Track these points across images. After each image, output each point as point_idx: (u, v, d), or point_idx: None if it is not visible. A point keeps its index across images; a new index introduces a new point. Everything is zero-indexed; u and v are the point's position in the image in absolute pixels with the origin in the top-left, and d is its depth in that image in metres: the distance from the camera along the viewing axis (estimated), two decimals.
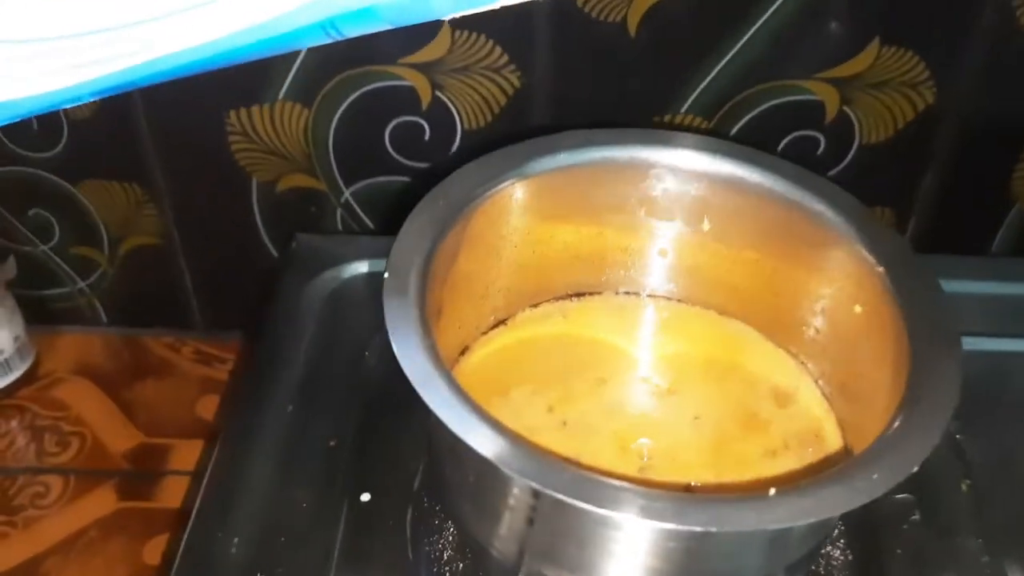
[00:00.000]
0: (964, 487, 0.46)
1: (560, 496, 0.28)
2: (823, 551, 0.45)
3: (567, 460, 0.34)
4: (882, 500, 0.44)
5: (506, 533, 0.36)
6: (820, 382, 0.43)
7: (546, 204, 0.42)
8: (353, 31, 0.30)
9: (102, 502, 0.67)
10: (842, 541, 0.45)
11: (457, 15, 0.31)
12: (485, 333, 0.45)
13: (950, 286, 0.57)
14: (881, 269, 0.38)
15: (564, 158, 0.41)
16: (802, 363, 0.44)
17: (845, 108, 0.64)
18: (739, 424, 0.41)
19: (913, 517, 0.44)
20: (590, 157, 0.42)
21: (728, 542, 0.32)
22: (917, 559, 0.43)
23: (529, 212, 0.42)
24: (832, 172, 0.67)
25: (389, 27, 0.30)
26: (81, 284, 0.75)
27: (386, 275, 0.36)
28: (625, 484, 0.29)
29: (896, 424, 0.32)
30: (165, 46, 0.29)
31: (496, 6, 0.31)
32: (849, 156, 0.66)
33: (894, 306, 0.36)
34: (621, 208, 0.44)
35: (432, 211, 0.39)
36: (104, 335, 0.78)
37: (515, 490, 0.32)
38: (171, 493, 0.67)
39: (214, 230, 0.72)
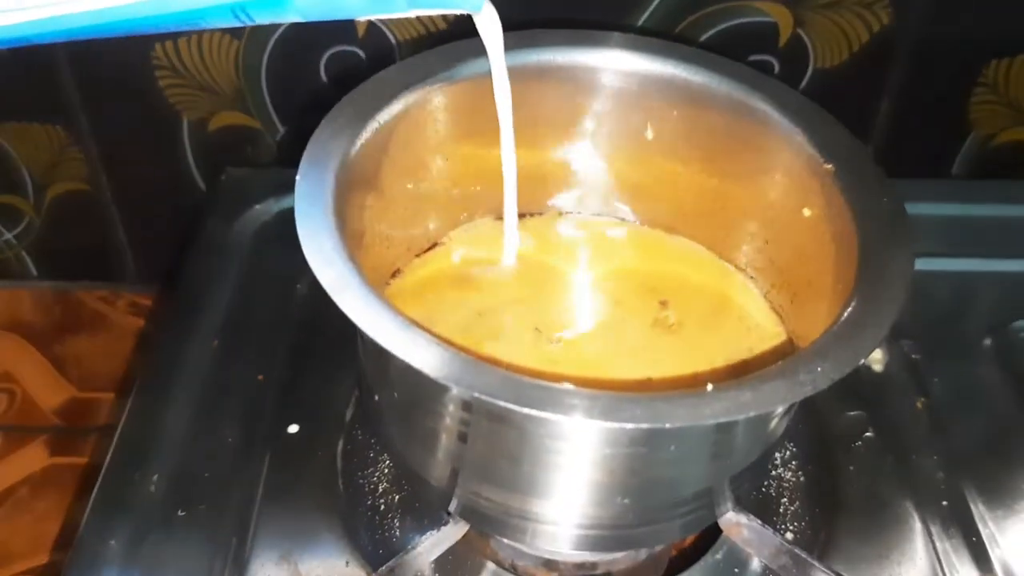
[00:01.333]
0: (919, 405, 0.45)
1: (491, 399, 0.25)
2: (774, 473, 0.43)
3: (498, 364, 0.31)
4: (834, 418, 0.43)
5: (440, 455, 0.34)
6: (769, 295, 0.41)
7: (476, 113, 0.39)
8: (263, 18, 0.30)
9: (32, 459, 0.64)
10: (794, 463, 0.43)
11: (372, 17, 0.30)
12: (419, 256, 0.42)
13: (909, 209, 0.56)
14: (830, 166, 0.35)
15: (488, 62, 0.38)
16: (751, 277, 0.42)
17: (799, 30, 0.61)
18: (685, 331, 0.39)
19: (867, 434, 0.43)
20: (524, 61, 0.39)
21: (666, 446, 0.30)
22: (871, 476, 0.41)
23: (457, 122, 0.40)
24: None
25: (299, 20, 0.30)
26: (7, 235, 0.71)
27: (298, 178, 0.33)
28: (558, 384, 0.27)
29: (843, 318, 0.29)
30: (73, 5, 0.29)
31: (411, 15, 0.31)
32: (804, 80, 0.64)
33: (844, 204, 0.34)
34: (559, 118, 0.42)
35: (350, 114, 0.36)
36: (34, 289, 0.74)
37: (446, 401, 0.30)
38: (104, 449, 0.64)
39: (144, 174, 0.69)
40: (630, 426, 0.26)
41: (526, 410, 0.26)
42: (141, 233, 0.72)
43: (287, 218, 0.53)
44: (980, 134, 0.67)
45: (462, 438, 0.31)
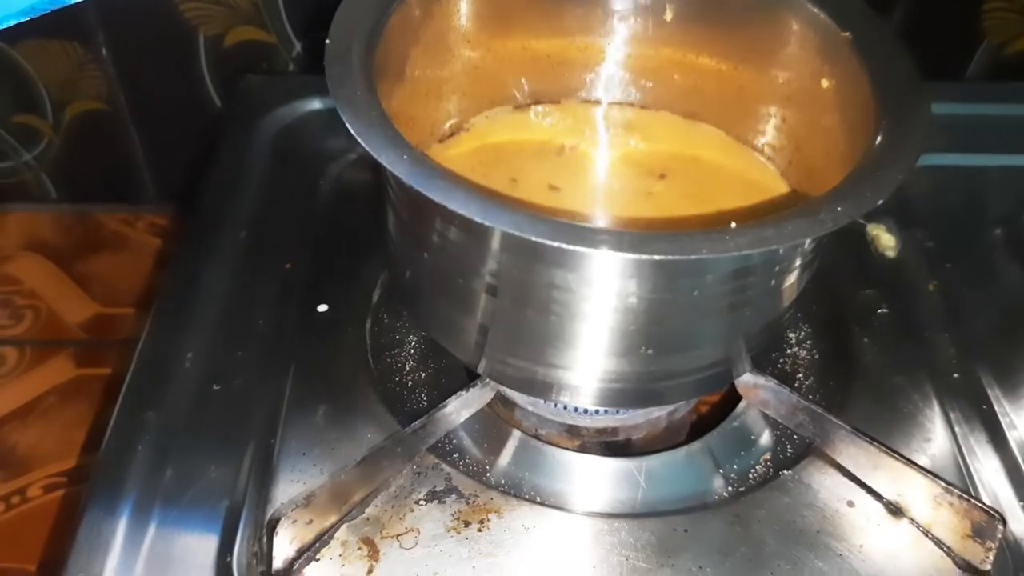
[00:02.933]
0: (931, 287, 0.46)
1: (520, 233, 0.26)
2: (789, 352, 0.44)
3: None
4: (849, 296, 0.44)
5: (470, 314, 0.35)
6: (786, 172, 0.42)
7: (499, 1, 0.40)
8: None
9: (59, 370, 0.66)
10: (809, 343, 0.45)
11: None
12: (441, 141, 0.43)
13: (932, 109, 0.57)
14: (846, 34, 0.36)
15: None
16: (769, 158, 0.43)
17: None
18: (700, 198, 0.40)
19: (881, 310, 0.44)
20: None
21: (689, 287, 0.30)
22: (885, 347, 0.42)
23: (477, 7, 0.40)
24: None
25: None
26: (27, 156, 0.72)
27: (328, 42, 0.34)
28: (584, 224, 0.28)
29: (862, 164, 0.30)
30: None
31: None
32: None
33: (861, 70, 0.35)
34: (578, 5, 0.42)
35: None
36: (55, 212, 0.75)
37: (479, 248, 0.31)
38: (128, 360, 0.65)
39: (161, 92, 0.69)
40: (658, 257, 0.27)
41: (559, 244, 0.27)
42: (159, 153, 0.72)
43: (306, 121, 0.55)
44: (992, 42, 0.67)
45: (491, 291, 0.32)
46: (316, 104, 0.55)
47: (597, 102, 0.45)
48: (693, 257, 0.27)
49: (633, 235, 0.27)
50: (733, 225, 0.28)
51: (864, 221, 0.48)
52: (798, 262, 0.33)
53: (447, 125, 0.43)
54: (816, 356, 0.44)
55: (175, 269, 0.46)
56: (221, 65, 0.67)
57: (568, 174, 0.43)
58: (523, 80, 0.44)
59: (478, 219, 0.27)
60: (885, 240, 0.47)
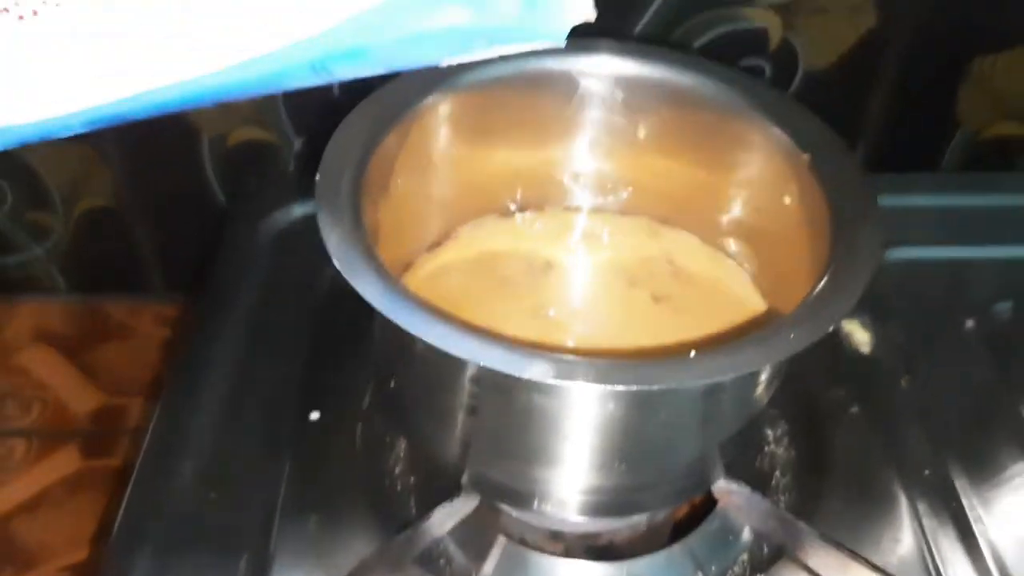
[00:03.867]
0: (904, 382, 0.47)
1: (490, 366, 0.28)
2: (767, 449, 0.46)
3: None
4: (822, 396, 0.46)
5: (450, 429, 0.37)
6: (757, 280, 0.44)
7: (479, 118, 0.43)
8: (344, 71, 0.30)
9: (66, 461, 0.67)
10: (786, 440, 0.46)
11: (453, 61, 0.31)
12: (430, 250, 0.45)
13: (899, 201, 0.59)
14: (805, 156, 0.38)
15: (492, 70, 0.41)
16: (740, 264, 0.45)
17: (788, 35, 0.64)
18: (676, 312, 0.42)
19: (852, 410, 0.45)
20: (521, 68, 0.42)
21: (657, 409, 0.32)
22: (857, 448, 0.44)
23: (462, 126, 0.43)
24: None
25: (382, 71, 0.30)
26: (38, 250, 0.75)
27: (318, 177, 0.36)
28: (556, 354, 0.30)
29: (815, 292, 0.32)
30: (156, 80, 0.29)
31: (493, 54, 0.31)
32: (795, 82, 0.66)
33: (818, 191, 0.37)
34: (557, 120, 0.45)
35: (365, 119, 0.39)
36: (64, 303, 0.78)
37: (454, 374, 0.33)
38: (135, 450, 0.66)
39: (167, 190, 0.72)
40: (621, 388, 0.29)
41: (526, 376, 0.28)
42: (165, 246, 0.75)
43: (306, 223, 0.57)
44: (968, 129, 0.70)
45: (471, 411, 0.34)
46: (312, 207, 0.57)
47: (578, 209, 0.47)
48: (654, 388, 0.29)
49: (595, 365, 0.29)
50: (692, 354, 0.30)
51: None
52: (763, 378, 0.35)
53: (435, 235, 0.45)
54: (793, 454, 0.45)
55: (174, 377, 0.48)
56: (224, 163, 0.70)
57: (552, 280, 0.45)
58: (507, 191, 0.46)
59: (453, 352, 0.29)
60: (859, 336, 0.49)
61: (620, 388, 0.29)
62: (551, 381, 0.29)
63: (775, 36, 0.64)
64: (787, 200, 0.40)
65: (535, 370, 0.29)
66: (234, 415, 0.45)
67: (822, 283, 0.32)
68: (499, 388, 0.32)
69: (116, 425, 0.70)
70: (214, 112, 0.66)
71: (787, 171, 0.39)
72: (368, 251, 0.32)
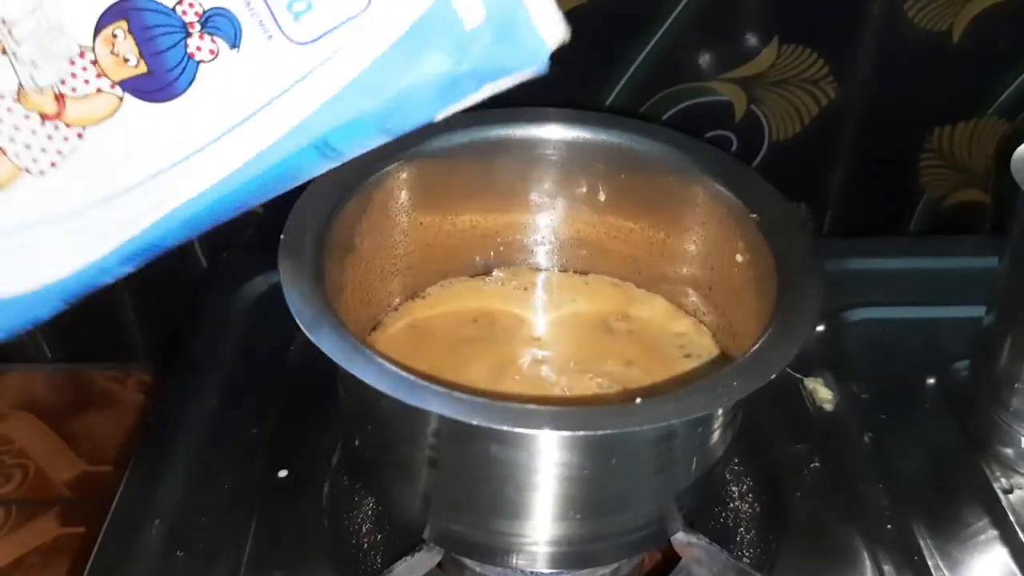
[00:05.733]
0: (866, 439, 0.48)
1: (431, 408, 0.29)
2: (732, 505, 0.46)
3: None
4: (781, 450, 0.46)
5: (408, 485, 0.37)
6: (717, 336, 0.45)
7: (442, 184, 0.45)
8: (349, 147, 0.31)
9: (44, 530, 0.67)
10: (750, 496, 0.47)
11: (448, 112, 0.32)
12: (396, 309, 0.47)
13: (861, 264, 0.61)
14: (754, 216, 0.40)
15: (452, 138, 0.43)
16: (700, 320, 0.46)
17: (752, 107, 0.67)
18: (640, 365, 0.43)
19: (813, 464, 0.46)
20: (478, 136, 0.44)
21: (607, 457, 0.33)
22: (818, 503, 0.44)
23: (425, 191, 0.45)
24: None
25: (386, 139, 0.31)
26: None
27: (282, 237, 0.37)
28: (500, 402, 0.31)
29: (759, 344, 0.33)
30: (175, 199, 0.31)
31: (483, 95, 0.32)
32: (761, 153, 0.69)
33: (766, 249, 0.38)
34: (520, 184, 0.47)
35: (329, 184, 0.40)
36: (48, 371, 0.78)
37: (404, 424, 0.33)
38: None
39: (152, 260, 0.73)
40: (567, 434, 0.30)
41: (464, 419, 0.29)
42: (149, 315, 0.76)
43: (279, 290, 0.59)
44: (932, 196, 0.72)
45: (429, 463, 0.35)
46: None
47: (544, 269, 0.49)
48: (597, 434, 0.30)
49: (542, 412, 0.30)
50: (638, 401, 0.31)
51: (801, 376, 0.51)
52: (716, 425, 0.36)
53: (402, 295, 0.47)
54: (757, 510, 0.45)
55: (147, 435, 0.48)
56: (209, 233, 0.71)
57: (519, 338, 0.47)
58: (474, 253, 0.48)
59: (411, 402, 0.30)
60: (823, 394, 0.50)
61: (565, 433, 0.30)
62: (493, 426, 0.30)
63: (740, 108, 0.67)
64: (739, 258, 0.41)
65: (481, 416, 0.30)
66: (203, 476, 0.46)
67: (765, 336, 0.34)
68: (453, 437, 0.33)
69: (95, 493, 0.70)
70: None
71: (738, 230, 0.41)
72: (326, 307, 0.34)
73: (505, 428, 0.30)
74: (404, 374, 0.32)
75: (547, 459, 0.33)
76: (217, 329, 0.55)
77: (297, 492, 0.45)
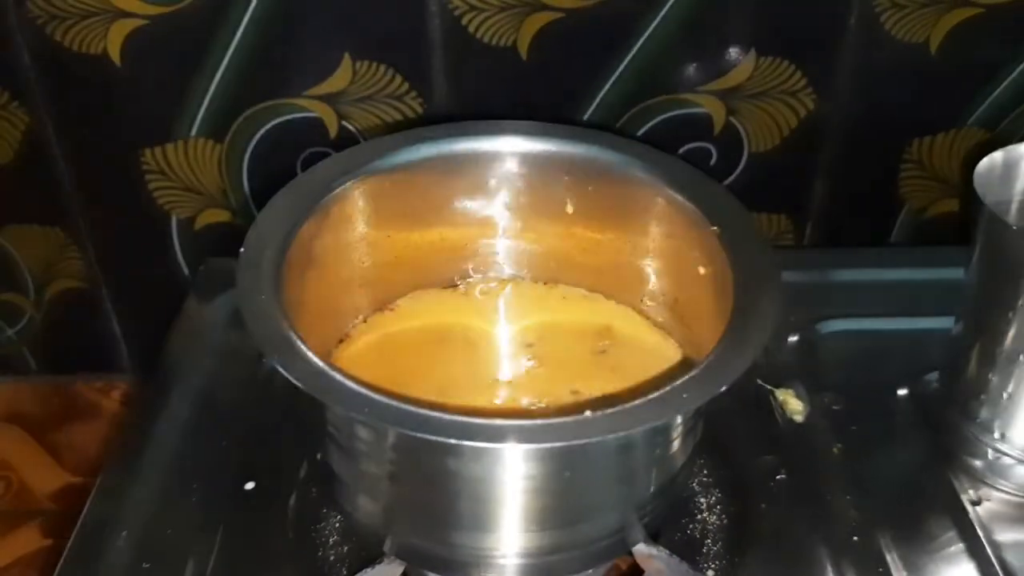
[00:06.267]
0: (836, 450, 0.48)
1: (379, 421, 0.29)
2: (699, 517, 0.46)
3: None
4: (749, 461, 0.46)
5: (368, 498, 0.37)
6: (682, 345, 0.45)
7: (402, 199, 0.45)
8: None
9: (27, 541, 0.68)
10: (718, 508, 0.47)
11: None
12: (365, 321, 0.47)
13: (834, 275, 0.61)
14: (715, 228, 0.40)
15: (411, 154, 0.43)
16: (667, 331, 0.46)
17: (731, 119, 0.67)
18: (606, 374, 0.43)
19: (779, 476, 0.46)
20: (437, 151, 0.45)
21: (559, 469, 0.33)
22: (784, 515, 0.44)
23: (389, 206, 0.45)
24: (726, 181, 0.69)
25: None
26: (9, 332, 0.76)
27: (242, 250, 0.38)
28: (447, 414, 0.31)
29: (711, 358, 0.33)
30: None
31: None
32: (740, 165, 0.69)
33: (726, 261, 0.39)
34: (490, 198, 0.47)
35: (290, 200, 0.41)
36: (34, 384, 0.79)
37: (357, 435, 0.34)
38: None
39: (137, 271, 0.74)
40: (519, 446, 0.30)
41: (414, 433, 0.30)
42: (134, 326, 0.76)
43: None
44: (912, 207, 0.72)
45: (388, 476, 0.35)
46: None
47: (513, 280, 0.49)
48: (544, 446, 0.30)
49: (493, 427, 0.30)
50: (588, 413, 0.31)
51: (772, 387, 0.51)
52: (673, 435, 0.36)
53: (369, 307, 0.47)
54: (724, 521, 0.45)
55: (121, 446, 0.49)
56: (192, 245, 0.72)
57: (489, 348, 0.47)
58: (444, 265, 0.48)
59: (358, 416, 0.31)
60: (793, 404, 0.50)
61: (518, 446, 0.30)
62: (446, 440, 0.30)
63: (719, 121, 0.67)
64: (701, 271, 0.41)
65: (433, 430, 0.30)
66: (172, 487, 0.46)
67: (719, 347, 0.34)
68: (408, 451, 0.33)
69: (78, 505, 0.70)
70: (184, 196, 0.69)
71: (700, 243, 0.41)
72: (281, 320, 0.34)
73: (455, 441, 0.30)
74: (356, 388, 0.32)
75: (502, 472, 0.33)
76: (195, 340, 0.55)
77: (264, 504, 0.45)
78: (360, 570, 0.40)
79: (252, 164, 0.68)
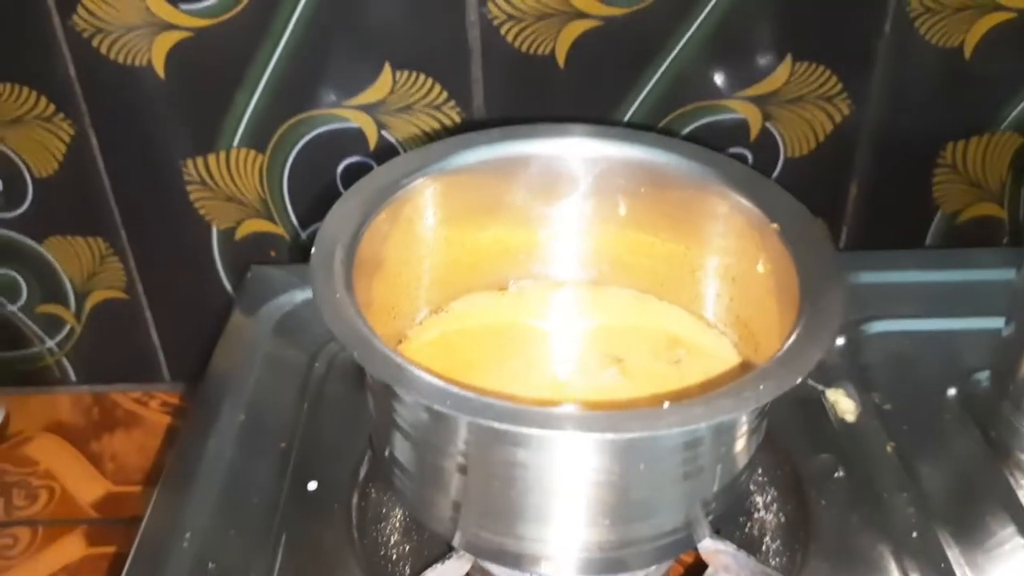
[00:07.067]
0: (889, 448, 0.48)
1: (465, 414, 0.30)
2: (757, 516, 0.46)
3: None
4: (804, 460, 0.47)
5: (441, 496, 0.38)
6: (738, 346, 0.45)
7: (465, 199, 0.45)
8: None
9: (70, 549, 0.68)
10: (775, 506, 0.47)
11: None
12: (420, 323, 0.47)
13: (880, 277, 0.61)
14: (775, 226, 0.40)
15: (476, 154, 0.44)
16: (722, 332, 0.46)
17: (767, 124, 0.67)
18: (663, 374, 0.43)
19: (837, 474, 0.46)
20: (507, 152, 0.45)
21: (636, 461, 0.33)
22: (843, 511, 0.44)
23: (449, 207, 0.45)
24: None
25: None
26: (50, 343, 0.77)
27: (313, 250, 0.38)
28: (527, 406, 0.31)
29: (783, 349, 0.34)
30: None
31: None
32: (777, 171, 0.69)
33: (788, 257, 0.39)
34: (544, 200, 0.47)
35: (357, 200, 0.41)
36: (73, 394, 0.79)
37: (437, 428, 0.34)
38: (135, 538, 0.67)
39: (177, 282, 0.74)
40: (595, 436, 0.30)
41: (492, 424, 0.30)
42: (173, 337, 0.77)
43: (306, 306, 0.60)
44: (947, 211, 0.72)
45: (459, 469, 0.36)
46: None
47: (566, 283, 0.50)
48: (627, 436, 0.30)
49: (573, 417, 0.31)
50: (666, 405, 0.32)
51: (823, 388, 0.51)
52: (742, 431, 0.36)
53: (426, 310, 0.48)
54: (782, 520, 0.46)
55: (178, 451, 0.49)
56: (232, 255, 0.72)
57: (542, 350, 0.47)
58: (497, 268, 0.49)
59: (439, 407, 0.31)
60: (844, 405, 0.50)
61: (594, 436, 0.30)
62: (526, 430, 0.30)
63: (755, 126, 0.68)
64: (760, 268, 0.42)
65: (511, 421, 0.30)
66: (233, 493, 0.46)
67: (791, 340, 0.34)
68: (483, 442, 0.34)
69: (119, 513, 0.70)
70: (224, 206, 0.69)
71: (759, 240, 0.41)
72: (359, 317, 0.34)
73: (538, 431, 0.30)
74: (436, 381, 0.32)
75: (575, 463, 0.33)
76: (244, 347, 0.56)
77: (326, 504, 0.45)
78: (425, 567, 0.40)
79: (292, 174, 0.68)
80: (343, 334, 0.34)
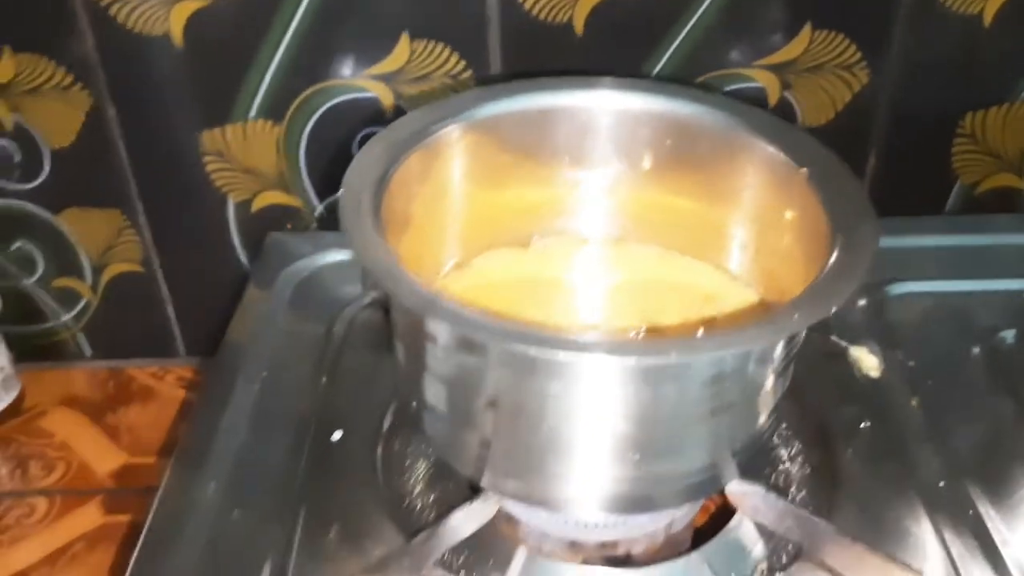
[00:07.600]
0: (914, 403, 0.48)
1: (498, 340, 0.30)
2: (782, 467, 0.46)
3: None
4: (829, 412, 0.47)
5: (467, 431, 0.38)
6: (764, 299, 0.45)
7: (490, 151, 0.45)
8: None
9: (88, 518, 0.68)
10: (800, 458, 0.47)
11: None
12: (445, 276, 0.47)
13: (904, 241, 0.61)
14: (803, 170, 0.40)
15: (502, 105, 0.44)
16: (748, 285, 0.46)
17: (786, 93, 0.67)
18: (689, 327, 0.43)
19: (863, 425, 0.46)
20: (531, 104, 0.45)
21: (666, 390, 0.33)
22: (871, 462, 0.44)
23: (474, 158, 0.45)
24: None
25: None
26: (65, 317, 0.77)
27: (342, 191, 0.38)
28: (565, 334, 0.31)
29: (817, 280, 0.34)
30: None
31: None
32: None
33: (816, 201, 0.39)
34: (567, 153, 0.47)
35: (382, 147, 0.41)
36: (89, 369, 0.79)
37: (470, 357, 0.34)
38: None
39: (193, 254, 0.74)
40: (632, 359, 0.30)
41: (532, 349, 0.30)
42: (189, 310, 0.77)
43: (322, 272, 0.60)
44: (966, 182, 0.72)
45: (490, 403, 0.35)
46: (332, 257, 0.60)
47: (589, 239, 0.50)
48: (664, 360, 0.30)
49: (607, 342, 0.31)
50: (700, 332, 0.31)
51: (847, 344, 0.51)
52: (771, 367, 0.36)
53: (450, 264, 0.47)
54: (808, 471, 0.46)
55: (195, 417, 0.49)
56: (248, 227, 0.72)
57: (562, 306, 0.47)
58: (519, 223, 0.48)
59: (471, 333, 0.31)
60: (868, 362, 0.50)
61: (631, 360, 0.30)
62: (564, 353, 0.30)
63: (773, 95, 0.67)
64: (788, 215, 0.42)
65: (543, 342, 0.30)
66: (259, 436, 0.46)
67: (824, 272, 0.34)
68: (516, 371, 0.33)
69: (135, 483, 0.70)
70: (241, 178, 0.69)
71: (786, 187, 0.41)
72: (389, 255, 0.34)
73: (567, 355, 0.30)
74: (469, 311, 0.32)
75: (606, 392, 0.33)
76: (261, 314, 0.56)
77: (351, 455, 0.45)
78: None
79: (309, 146, 0.68)
80: (376, 267, 0.33)
